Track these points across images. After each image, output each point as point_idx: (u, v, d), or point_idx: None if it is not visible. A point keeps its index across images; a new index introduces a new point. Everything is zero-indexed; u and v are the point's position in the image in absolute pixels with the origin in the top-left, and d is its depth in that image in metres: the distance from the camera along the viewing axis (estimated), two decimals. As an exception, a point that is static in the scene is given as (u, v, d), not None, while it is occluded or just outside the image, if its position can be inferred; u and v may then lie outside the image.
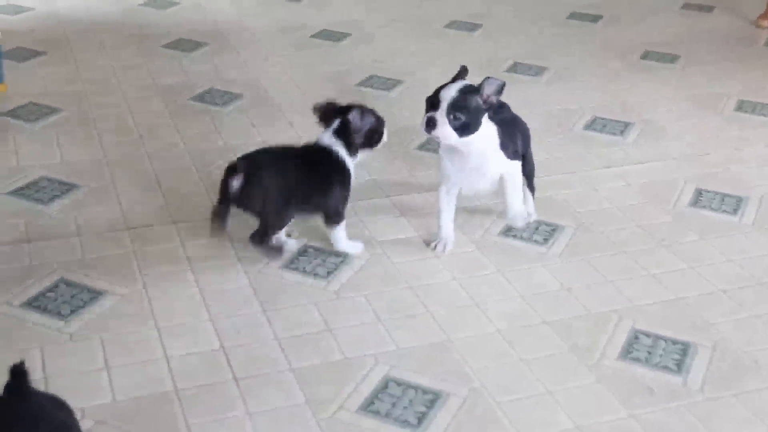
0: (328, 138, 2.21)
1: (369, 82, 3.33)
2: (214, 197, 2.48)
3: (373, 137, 2.24)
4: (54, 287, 2.08)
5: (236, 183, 2.07)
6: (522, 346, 1.95)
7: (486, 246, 2.32)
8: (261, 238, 2.14)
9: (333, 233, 2.24)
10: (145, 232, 2.33)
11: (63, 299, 2.04)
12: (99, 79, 3.30)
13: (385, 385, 1.82)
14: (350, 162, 2.23)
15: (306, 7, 4.20)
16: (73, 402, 1.72)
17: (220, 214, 2.12)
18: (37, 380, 1.79)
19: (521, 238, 2.36)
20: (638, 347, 1.95)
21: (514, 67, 3.54)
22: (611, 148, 2.89)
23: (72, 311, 2.00)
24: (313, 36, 3.81)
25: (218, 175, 2.58)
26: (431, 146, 2.82)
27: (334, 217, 2.22)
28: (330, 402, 1.77)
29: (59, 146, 2.77)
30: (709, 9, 4.34)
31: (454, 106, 2.05)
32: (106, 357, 1.87)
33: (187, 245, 2.28)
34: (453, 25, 4.01)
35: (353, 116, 2.19)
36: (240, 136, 2.87)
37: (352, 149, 2.22)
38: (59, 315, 1.99)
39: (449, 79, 2.15)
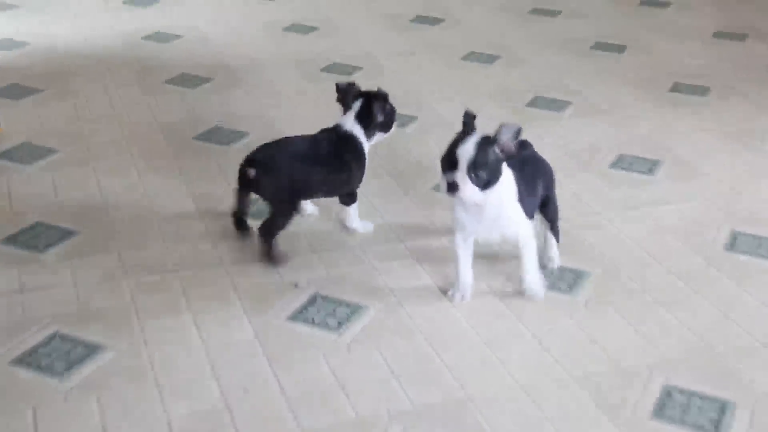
0: (349, 123, 2.49)
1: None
2: (219, 243, 2.50)
3: (389, 123, 2.53)
4: (48, 342, 2.08)
5: (252, 172, 2.36)
6: (546, 403, 1.93)
7: (507, 294, 2.30)
8: (269, 230, 2.38)
9: (347, 211, 2.54)
10: (145, 281, 2.32)
11: (58, 355, 2.04)
12: (98, 116, 3.32)
13: (399, 448, 1.80)
14: (367, 145, 2.51)
15: (316, 39, 4.23)
16: (67, 468, 1.72)
17: (239, 202, 2.47)
18: (30, 443, 1.78)
19: (544, 285, 2.34)
20: (671, 404, 1.93)
21: (535, 101, 3.54)
22: (639, 187, 2.87)
23: (67, 368, 2.00)
24: (323, 69, 3.84)
25: (223, 218, 2.61)
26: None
27: (349, 198, 2.53)
28: (341, 466, 1.75)
29: (55, 189, 2.78)
30: (742, 37, 4.35)
31: (475, 165, 2.03)
32: (104, 418, 1.86)
33: (189, 295, 2.27)
34: (471, 56, 4.03)
35: (379, 105, 2.48)
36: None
37: (370, 133, 2.51)
38: (53, 372, 1.98)
39: (459, 128, 2.12)
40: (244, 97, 3.53)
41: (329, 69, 3.84)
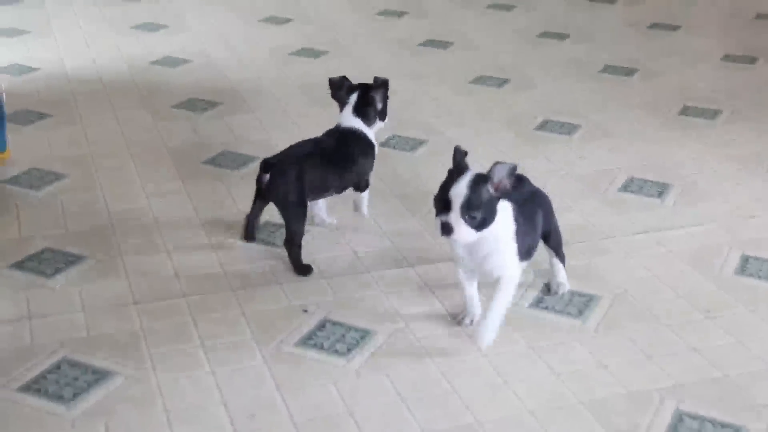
0: (348, 119, 2.63)
1: (390, 142, 3.37)
2: (228, 268, 2.52)
3: (384, 111, 2.66)
4: (56, 368, 2.10)
5: (265, 177, 2.47)
6: (555, 428, 1.94)
7: (516, 319, 2.31)
8: (292, 241, 2.49)
9: (360, 197, 2.71)
10: (154, 307, 2.34)
11: (65, 381, 2.05)
12: (106, 141, 3.36)
13: (409, 474, 1.81)
14: (371, 133, 2.63)
15: (324, 63, 4.27)
16: (75, 494, 1.73)
17: (252, 208, 2.59)
18: (38, 470, 1.80)
19: (554, 310, 2.35)
20: (683, 430, 1.93)
21: (544, 125, 3.56)
22: (649, 211, 2.89)
23: (75, 394, 2.01)
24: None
25: (231, 243, 2.63)
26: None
27: (363, 186, 2.69)
28: (350, 493, 1.76)
29: (64, 215, 2.81)
30: (752, 60, 4.37)
31: (468, 205, 2.00)
32: (111, 444, 1.87)
33: (198, 321, 2.29)
34: (480, 80, 4.06)
35: (379, 92, 2.63)
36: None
37: (370, 123, 2.64)
38: (61, 399, 2.00)
39: (451, 165, 2.10)
40: (252, 122, 3.56)
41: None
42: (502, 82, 4.04)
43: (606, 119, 3.63)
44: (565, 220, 2.79)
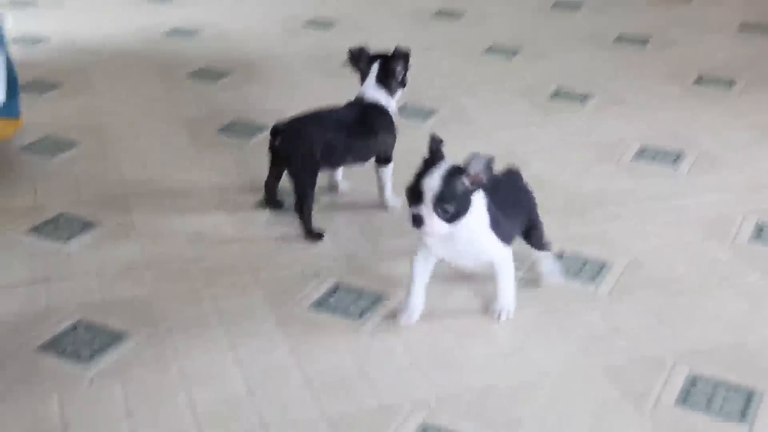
0: (369, 90, 2.61)
1: (402, 112, 3.36)
2: (241, 234, 2.53)
3: (404, 80, 2.64)
4: (72, 329, 2.12)
5: (276, 140, 2.49)
6: (571, 392, 1.95)
7: (529, 285, 2.32)
8: (302, 207, 2.49)
9: (383, 172, 2.64)
10: (167, 272, 2.36)
11: (82, 342, 2.08)
12: (119, 111, 3.37)
13: (423, 434, 1.83)
14: (392, 106, 2.62)
15: (335, 35, 4.26)
16: (93, 451, 1.75)
17: (269, 176, 2.61)
18: (55, 428, 1.82)
19: (567, 275, 2.36)
20: (697, 393, 1.94)
21: (557, 94, 3.56)
22: (663, 179, 2.89)
23: (91, 355, 2.04)
24: (343, 65, 3.86)
25: (244, 209, 2.65)
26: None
27: (384, 160, 2.63)
28: (364, 452, 1.78)
29: (78, 182, 2.83)
30: (768, 30, 4.34)
31: (441, 198, 1.92)
32: (128, 403, 1.89)
33: (211, 285, 2.31)
34: (492, 50, 4.05)
35: (401, 62, 2.60)
36: (266, 169, 2.91)
37: (393, 92, 2.62)
38: (78, 359, 2.02)
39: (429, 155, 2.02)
40: (264, 91, 3.57)
41: (349, 64, 3.87)
42: (514, 53, 4.02)
43: (620, 89, 3.61)
44: (578, 188, 2.81)
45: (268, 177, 2.63)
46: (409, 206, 1.97)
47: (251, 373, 1.99)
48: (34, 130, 3.15)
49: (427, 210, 1.94)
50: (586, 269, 2.39)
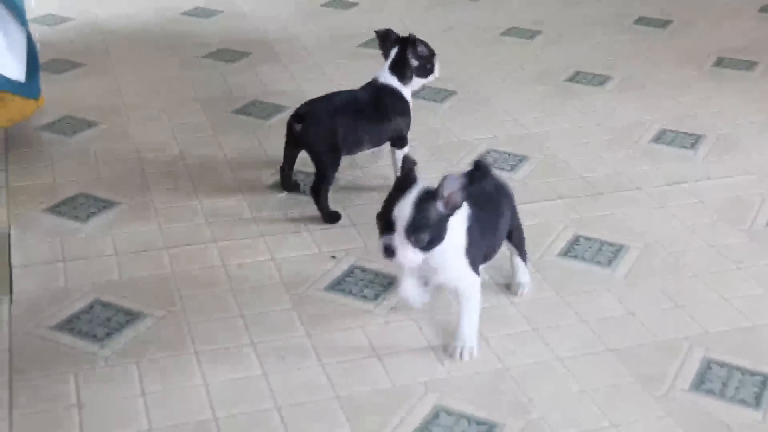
0: (384, 75, 2.61)
1: (420, 93, 3.34)
2: (258, 215, 2.52)
3: (425, 68, 2.61)
4: (89, 309, 2.12)
5: (298, 126, 2.49)
6: (584, 375, 1.93)
7: (545, 268, 2.30)
8: (318, 189, 2.49)
9: (399, 155, 2.58)
10: (184, 252, 2.36)
11: (98, 321, 2.08)
12: (138, 91, 3.36)
13: (435, 415, 1.81)
14: (406, 91, 2.61)
15: (355, 15, 4.23)
16: (108, 429, 1.76)
17: (286, 158, 2.60)
18: (70, 406, 1.82)
19: (583, 259, 2.34)
20: (711, 378, 1.92)
21: (576, 76, 3.52)
22: (681, 162, 2.85)
23: (107, 334, 2.04)
24: (360, 45, 3.84)
25: (261, 190, 2.64)
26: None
27: (398, 143, 2.63)
28: (377, 433, 1.77)
29: (97, 161, 2.83)
30: (790, 12, 4.27)
31: (413, 227, 1.76)
32: (143, 383, 1.89)
33: (228, 265, 2.30)
34: (510, 32, 4.01)
35: (411, 51, 2.58)
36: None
37: (406, 79, 2.60)
38: (94, 338, 2.03)
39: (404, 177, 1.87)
40: (281, 72, 3.55)
41: (368, 45, 3.84)
42: (533, 35, 3.98)
43: (638, 71, 3.57)
44: (595, 171, 2.78)
45: (284, 161, 2.62)
46: (380, 236, 1.81)
47: (266, 353, 1.99)
48: (53, 110, 3.15)
49: (399, 239, 1.78)
50: (602, 252, 2.36)
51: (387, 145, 2.67)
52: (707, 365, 1.95)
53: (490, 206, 2.02)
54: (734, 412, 1.83)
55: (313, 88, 3.36)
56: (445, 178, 1.78)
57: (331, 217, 2.50)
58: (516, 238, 2.15)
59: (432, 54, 2.62)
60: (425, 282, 1.99)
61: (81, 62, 3.61)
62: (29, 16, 3.05)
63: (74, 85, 3.41)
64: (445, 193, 1.78)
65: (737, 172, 2.79)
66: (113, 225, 2.48)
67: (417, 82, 2.64)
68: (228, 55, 3.71)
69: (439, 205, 1.79)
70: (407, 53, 2.59)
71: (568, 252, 2.37)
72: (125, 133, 3.02)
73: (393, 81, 2.60)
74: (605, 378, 1.92)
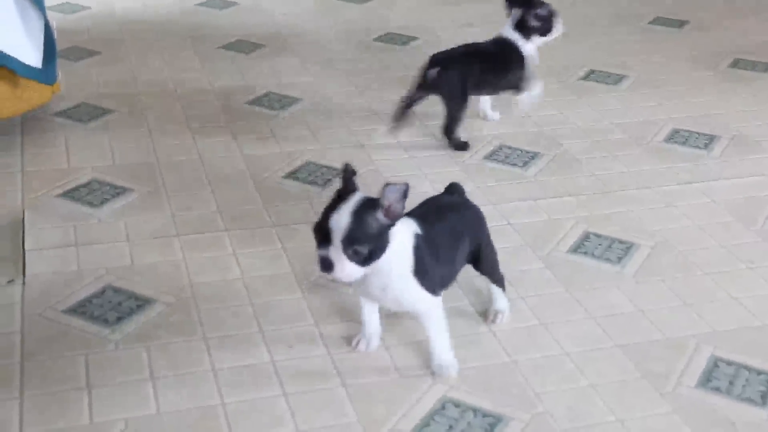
0: (507, 31, 2.96)
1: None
2: (269, 206, 2.53)
3: (545, 26, 2.96)
4: (101, 293, 2.14)
5: (432, 72, 2.81)
6: (591, 370, 1.93)
7: (555, 263, 2.30)
8: (449, 127, 2.85)
9: (519, 98, 3.04)
10: (196, 240, 2.37)
11: (110, 306, 2.09)
12: (153, 80, 3.38)
13: (442, 407, 1.82)
14: (527, 47, 2.96)
15: (371, 9, 4.24)
16: (117, 412, 1.77)
17: (412, 95, 2.87)
18: (80, 388, 1.84)
19: (593, 256, 2.34)
20: (718, 376, 1.92)
21: (591, 74, 3.51)
22: (694, 162, 2.85)
23: (118, 318, 2.05)
24: (376, 39, 3.85)
25: (273, 182, 2.65)
26: (496, 157, 2.83)
27: (518, 89, 3.01)
28: (383, 422, 1.78)
29: (111, 148, 2.84)
30: (807, 15, 4.25)
31: (351, 238, 1.65)
32: (152, 367, 1.91)
33: (239, 255, 2.31)
34: (526, 29, 4.00)
35: (531, 12, 2.93)
36: (297, 141, 2.91)
37: (526, 37, 2.95)
38: (105, 322, 2.04)
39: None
40: (296, 65, 3.56)
41: (382, 39, 3.85)
42: (549, 32, 3.97)
43: (654, 71, 3.56)
44: (607, 170, 2.78)
45: (410, 97, 2.87)
46: (317, 248, 1.70)
47: (276, 342, 2.00)
48: (70, 96, 3.17)
49: (335, 253, 1.67)
50: (613, 249, 2.37)
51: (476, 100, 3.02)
52: (714, 363, 1.95)
53: (448, 228, 1.89)
54: (740, 411, 1.83)
55: (327, 82, 3.38)
56: (385, 187, 1.66)
57: (461, 147, 2.87)
58: (486, 265, 2.01)
59: (551, 15, 2.96)
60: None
61: (97, 50, 3.64)
62: (47, 3, 3.07)
63: (90, 72, 3.43)
64: (387, 201, 1.67)
65: (750, 172, 2.78)
66: (126, 211, 2.49)
67: (538, 40, 2.97)
68: (244, 46, 3.73)
69: (380, 216, 1.67)
70: (529, 14, 2.93)
71: (578, 248, 2.37)
72: (140, 121, 3.04)
73: (515, 36, 2.94)
74: (612, 374, 1.93)
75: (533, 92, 3.03)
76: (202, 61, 3.58)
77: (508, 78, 2.96)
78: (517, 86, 2.99)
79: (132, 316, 2.06)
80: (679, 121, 3.12)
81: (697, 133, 3.03)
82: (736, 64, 3.64)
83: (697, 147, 2.94)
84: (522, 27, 2.94)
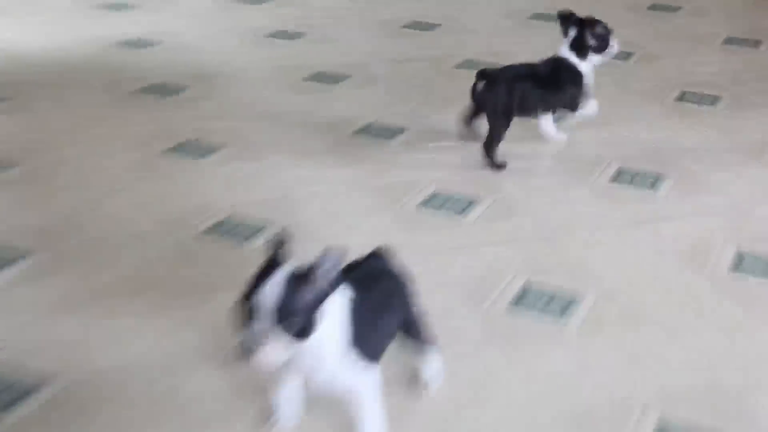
0: (563, 51, 3.09)
1: (368, 129, 3.27)
2: (184, 269, 2.42)
3: (602, 45, 3.09)
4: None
5: (479, 86, 2.96)
6: (530, 440, 1.84)
7: (491, 320, 2.21)
8: (489, 144, 2.97)
9: (574, 115, 3.17)
10: (103, 307, 2.25)
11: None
12: (62, 130, 3.26)
13: (366, 490, 1.71)
14: (582, 66, 3.09)
15: (301, 46, 4.17)
16: None
17: (468, 111, 3.08)
18: None
19: (534, 308, 2.26)
20: (668, 441, 1.84)
21: (533, 112, 3.47)
22: (641, 203, 2.79)
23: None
24: (306, 79, 3.77)
25: (194, 236, 2.55)
26: (432, 204, 2.76)
27: (571, 107, 3.14)
28: None
29: (8, 209, 2.71)
30: (756, 44, 4.27)
31: (282, 313, 1.48)
32: None
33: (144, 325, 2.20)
34: (465, 64, 3.96)
35: (589, 31, 3.06)
36: (221, 191, 2.80)
37: (582, 56, 3.08)
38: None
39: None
40: (220, 108, 3.47)
41: (314, 78, 3.78)
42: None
43: (599, 105, 3.52)
44: (549, 213, 2.72)
45: (468, 111, 3.08)
46: (240, 327, 1.51)
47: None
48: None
49: (260, 333, 1.48)
50: (554, 303, 2.29)
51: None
52: (663, 426, 1.87)
53: (377, 294, 1.78)
54: (693, 480, 1.75)
55: (254, 126, 3.29)
56: (323, 254, 1.51)
57: (497, 167, 2.96)
58: (414, 329, 1.90)
59: (608, 33, 3.07)
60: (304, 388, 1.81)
61: (3, 97, 3.51)
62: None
63: (-5, 122, 3.31)
64: (321, 274, 1.52)
65: (699, 213, 2.74)
66: (28, 278, 2.36)
67: (594, 58, 3.09)
68: (163, 89, 3.63)
69: (312, 288, 1.52)
70: (585, 33, 3.05)
71: (519, 301, 2.28)
72: (45, 177, 2.91)
73: (571, 56, 3.06)
74: (554, 443, 1.84)
75: (587, 111, 3.12)
76: (117, 106, 3.47)
77: (560, 96, 3.08)
78: (570, 105, 3.10)
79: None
80: (625, 159, 3.08)
81: (645, 171, 2.99)
82: (682, 97, 3.62)
83: (645, 187, 2.89)
84: (579, 46, 3.06)
